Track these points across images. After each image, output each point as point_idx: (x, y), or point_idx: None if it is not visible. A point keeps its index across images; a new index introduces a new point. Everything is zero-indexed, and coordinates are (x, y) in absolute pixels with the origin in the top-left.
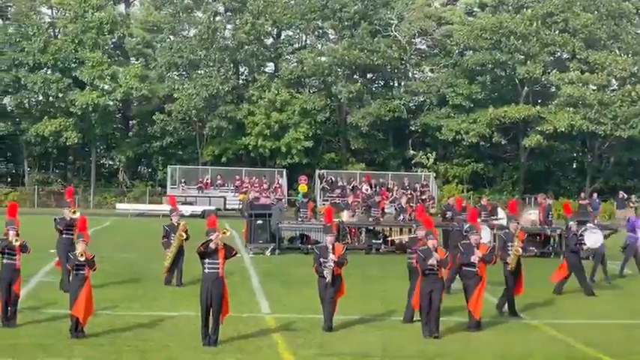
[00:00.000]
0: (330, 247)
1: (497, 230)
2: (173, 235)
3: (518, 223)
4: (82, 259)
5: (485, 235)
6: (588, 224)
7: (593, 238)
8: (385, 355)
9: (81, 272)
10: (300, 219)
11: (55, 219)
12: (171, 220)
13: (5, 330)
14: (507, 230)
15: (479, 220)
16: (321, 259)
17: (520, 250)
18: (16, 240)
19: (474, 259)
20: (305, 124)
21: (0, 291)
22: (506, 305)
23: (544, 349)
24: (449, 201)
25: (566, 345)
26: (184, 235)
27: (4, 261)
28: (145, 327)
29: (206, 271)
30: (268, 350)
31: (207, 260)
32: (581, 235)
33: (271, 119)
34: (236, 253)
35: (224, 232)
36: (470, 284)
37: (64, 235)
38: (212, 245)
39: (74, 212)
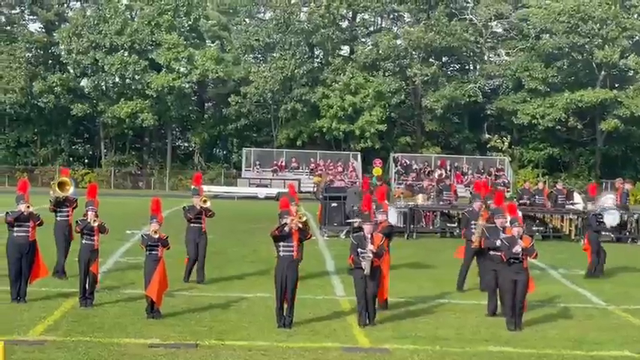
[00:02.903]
0: (369, 236)
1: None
2: None
3: (483, 201)
4: (156, 236)
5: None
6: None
7: (610, 218)
8: (459, 339)
9: (154, 252)
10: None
11: (184, 207)
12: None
13: (83, 310)
14: (471, 208)
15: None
16: (359, 250)
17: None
18: (94, 221)
19: (517, 249)
20: (379, 107)
21: (78, 271)
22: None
23: (620, 334)
24: (524, 185)
25: None
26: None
27: (83, 241)
28: (220, 308)
29: (281, 254)
30: (342, 332)
31: (281, 243)
32: (600, 215)
33: (345, 102)
34: (310, 236)
35: (300, 217)
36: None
37: (192, 224)
38: (287, 229)
39: (205, 201)
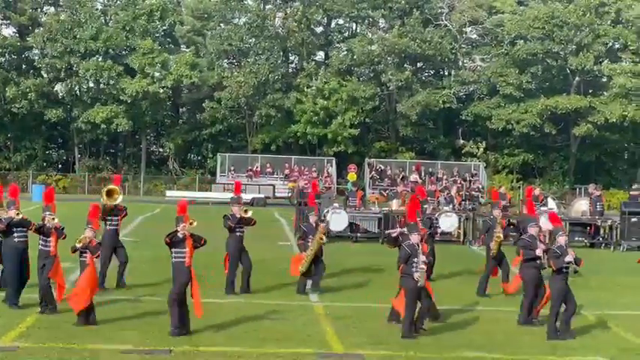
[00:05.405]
0: (419, 246)
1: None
2: (311, 236)
3: (500, 210)
4: (79, 245)
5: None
6: (444, 207)
7: (448, 222)
8: (437, 345)
9: (81, 259)
10: (349, 208)
11: (224, 216)
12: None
13: (57, 316)
14: (492, 216)
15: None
16: (414, 260)
17: (501, 236)
18: (48, 221)
19: (569, 258)
20: (352, 111)
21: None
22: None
23: (593, 340)
24: (500, 190)
25: (616, 336)
26: (324, 238)
27: (39, 247)
28: (194, 314)
29: (173, 260)
30: (317, 338)
31: (174, 249)
32: (437, 219)
33: (317, 106)
34: (205, 243)
35: (191, 223)
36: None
37: (236, 233)
38: (180, 235)
39: (245, 211)
